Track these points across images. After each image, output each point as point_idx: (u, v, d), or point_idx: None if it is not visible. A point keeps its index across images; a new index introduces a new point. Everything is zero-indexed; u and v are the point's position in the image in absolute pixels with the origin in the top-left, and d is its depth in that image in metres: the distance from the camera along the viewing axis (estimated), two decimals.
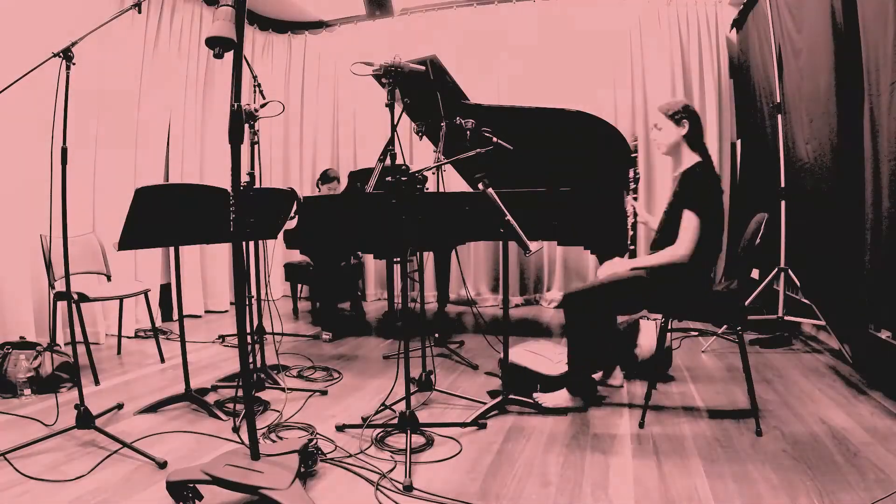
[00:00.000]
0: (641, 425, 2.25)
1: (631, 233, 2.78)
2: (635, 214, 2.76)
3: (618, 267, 2.45)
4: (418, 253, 2.92)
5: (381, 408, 2.43)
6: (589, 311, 2.42)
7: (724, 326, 3.63)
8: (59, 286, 2.92)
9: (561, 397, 2.46)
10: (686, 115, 2.39)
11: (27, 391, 2.70)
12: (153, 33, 4.35)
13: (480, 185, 2.21)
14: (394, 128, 2.12)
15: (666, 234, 2.40)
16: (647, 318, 2.98)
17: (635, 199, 2.79)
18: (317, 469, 1.89)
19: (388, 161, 2.16)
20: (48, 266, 2.99)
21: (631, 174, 2.81)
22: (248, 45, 5.20)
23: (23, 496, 1.74)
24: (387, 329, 4.21)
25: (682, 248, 2.28)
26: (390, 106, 2.11)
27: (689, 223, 2.27)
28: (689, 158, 2.40)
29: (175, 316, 4.46)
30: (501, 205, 2.19)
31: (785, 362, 3.10)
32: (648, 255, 2.42)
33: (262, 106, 2.44)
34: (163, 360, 3.31)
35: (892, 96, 2.30)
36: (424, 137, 3.46)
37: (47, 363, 2.77)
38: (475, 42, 5.21)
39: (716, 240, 2.36)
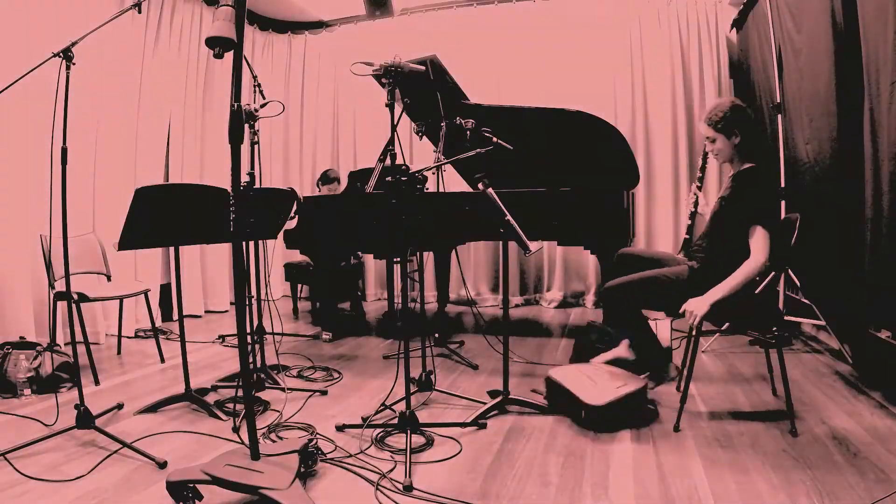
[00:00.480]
0: (677, 428, 2.22)
1: (689, 222, 2.74)
2: (696, 204, 2.71)
3: (701, 306, 2.18)
4: (418, 253, 2.92)
5: (381, 408, 2.43)
6: (633, 303, 2.45)
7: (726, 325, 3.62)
8: (59, 286, 2.92)
9: (620, 350, 2.50)
10: (736, 123, 2.29)
11: (27, 391, 2.70)
12: (153, 33, 4.35)
13: (480, 185, 2.20)
14: (394, 128, 2.12)
15: (713, 236, 2.40)
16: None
17: (699, 187, 2.73)
18: (317, 469, 1.89)
19: (388, 161, 2.16)
20: (48, 266, 2.99)
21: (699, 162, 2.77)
22: (248, 45, 5.20)
23: (23, 496, 1.74)
24: (387, 329, 4.21)
25: (760, 255, 2.18)
26: (390, 106, 2.10)
27: (760, 236, 2.19)
28: (743, 165, 2.38)
29: (175, 316, 4.46)
30: (501, 205, 2.19)
31: (785, 362, 3.09)
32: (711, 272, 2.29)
33: (262, 106, 2.45)
34: (163, 360, 3.31)
35: (892, 96, 2.30)
36: (424, 137, 3.46)
37: (47, 363, 2.77)
38: (475, 42, 5.21)
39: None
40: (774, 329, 2.24)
